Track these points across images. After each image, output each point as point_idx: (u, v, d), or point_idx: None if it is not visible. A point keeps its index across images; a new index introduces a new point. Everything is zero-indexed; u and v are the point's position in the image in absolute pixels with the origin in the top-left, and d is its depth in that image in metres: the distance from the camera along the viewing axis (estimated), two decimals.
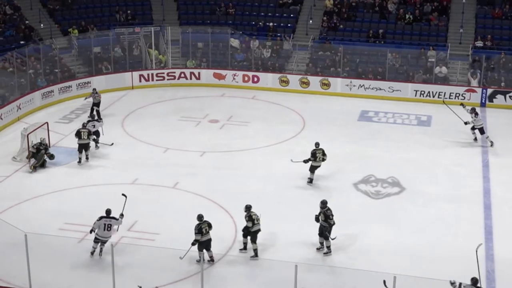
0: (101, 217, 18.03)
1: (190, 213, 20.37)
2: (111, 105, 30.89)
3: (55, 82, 31.56)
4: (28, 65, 30.89)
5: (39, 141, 24.03)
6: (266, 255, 17.04)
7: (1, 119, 27.63)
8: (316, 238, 18.60)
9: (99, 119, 26.96)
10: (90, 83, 32.31)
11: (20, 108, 28.86)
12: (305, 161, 22.45)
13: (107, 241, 17.84)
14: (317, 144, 22.57)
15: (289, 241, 18.98)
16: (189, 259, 17.11)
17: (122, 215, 18.32)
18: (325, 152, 22.44)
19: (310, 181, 22.61)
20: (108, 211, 18.14)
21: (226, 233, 19.43)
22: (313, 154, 22.35)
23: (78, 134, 24.27)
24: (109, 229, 17.98)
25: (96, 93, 28.84)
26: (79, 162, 24.22)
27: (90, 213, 20.31)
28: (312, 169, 22.55)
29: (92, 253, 17.96)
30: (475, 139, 26.70)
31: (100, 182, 22.76)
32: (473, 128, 26.61)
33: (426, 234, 19.64)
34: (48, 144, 24.82)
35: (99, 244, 17.92)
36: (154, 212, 20.77)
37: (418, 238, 19.37)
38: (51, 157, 24.07)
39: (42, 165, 23.80)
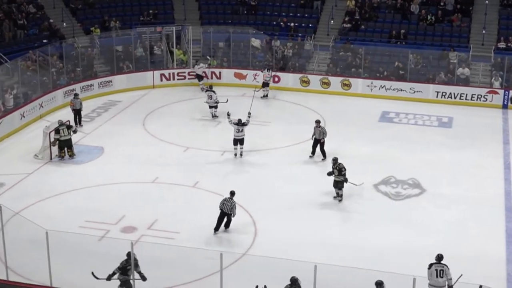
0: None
1: (210, 213, 20.43)
2: (133, 104, 31.02)
3: (77, 81, 31.78)
4: (51, 64, 31.11)
5: (58, 124, 24.38)
6: (284, 256, 16.98)
7: (24, 117, 27.85)
8: (334, 238, 18.65)
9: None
10: (111, 81, 32.51)
11: (42, 106, 29.07)
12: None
13: (213, 106, 28.54)
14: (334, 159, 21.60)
15: (307, 242, 18.95)
16: (208, 258, 17.07)
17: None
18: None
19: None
20: (210, 85, 28.97)
21: (245, 233, 19.45)
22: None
23: (57, 131, 24.24)
24: (210, 98, 28.44)
25: (78, 98, 28.28)
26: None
27: (110, 211, 20.50)
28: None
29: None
30: (266, 96, 31.75)
31: (121, 181, 22.85)
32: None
33: (446, 236, 19.53)
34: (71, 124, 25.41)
35: (213, 109, 28.78)
36: (174, 211, 20.84)
37: (438, 240, 19.22)
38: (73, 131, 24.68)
39: (70, 146, 24.42)
